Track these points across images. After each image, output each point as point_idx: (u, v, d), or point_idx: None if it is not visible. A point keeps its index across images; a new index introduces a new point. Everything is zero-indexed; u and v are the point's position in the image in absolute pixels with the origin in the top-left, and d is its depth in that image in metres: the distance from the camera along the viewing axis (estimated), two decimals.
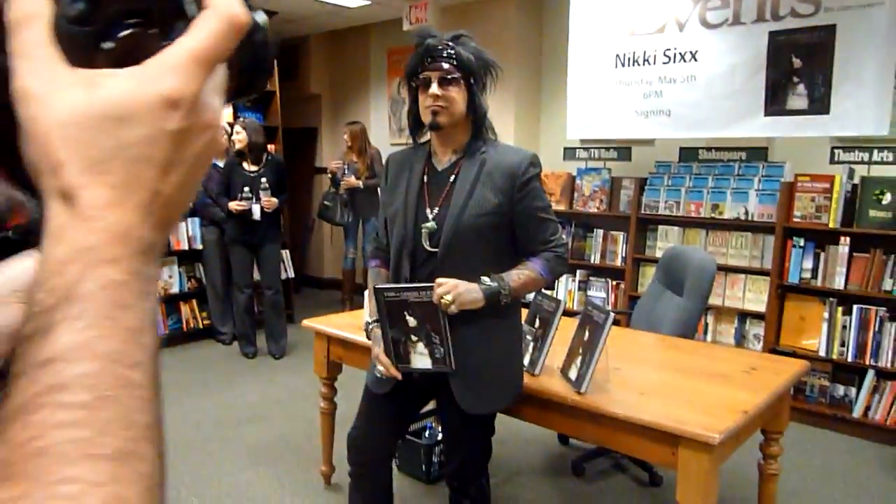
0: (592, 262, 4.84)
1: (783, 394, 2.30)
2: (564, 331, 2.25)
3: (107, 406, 0.29)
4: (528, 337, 2.36)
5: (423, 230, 1.82)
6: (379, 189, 2.06)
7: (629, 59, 4.25)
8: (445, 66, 1.77)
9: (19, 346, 0.30)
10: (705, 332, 4.30)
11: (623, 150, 4.85)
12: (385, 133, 6.61)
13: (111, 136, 0.32)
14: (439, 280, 1.75)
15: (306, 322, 2.91)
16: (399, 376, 1.86)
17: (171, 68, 0.33)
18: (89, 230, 0.31)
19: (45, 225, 0.31)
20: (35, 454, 0.27)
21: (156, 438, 0.31)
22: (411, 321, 1.80)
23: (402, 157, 1.98)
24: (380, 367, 1.88)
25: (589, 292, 4.90)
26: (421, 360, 1.84)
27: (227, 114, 5.63)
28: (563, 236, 2.00)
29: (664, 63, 4.09)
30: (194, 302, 5.43)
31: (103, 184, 0.32)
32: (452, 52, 1.78)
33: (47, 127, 0.31)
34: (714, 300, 4.24)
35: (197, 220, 5.32)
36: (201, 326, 5.43)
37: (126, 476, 0.29)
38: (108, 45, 0.33)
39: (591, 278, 4.91)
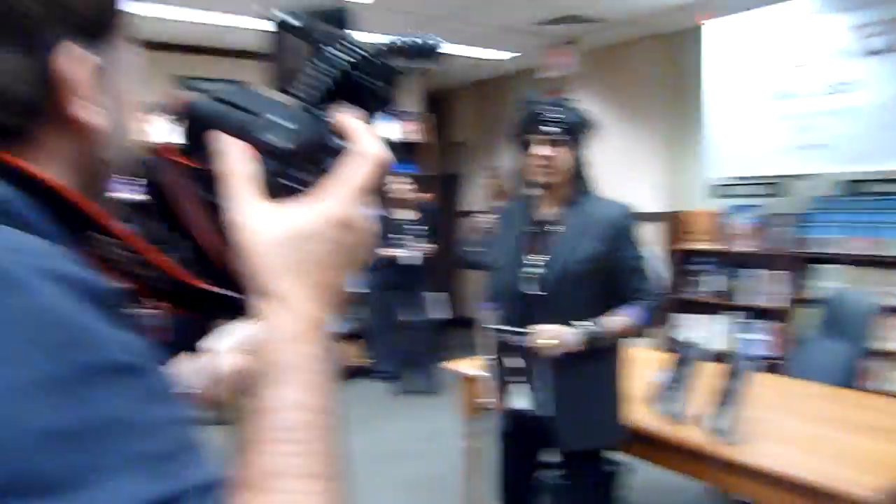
0: (749, 302, 4.63)
1: None
2: (710, 377, 2.24)
3: (317, 442, 0.46)
4: (671, 382, 2.36)
5: (529, 275, 1.94)
6: None
7: (780, 92, 4.10)
8: (554, 130, 1.93)
9: (254, 393, 0.47)
10: (881, 379, 3.96)
11: (777, 186, 4.63)
12: None
13: (305, 251, 0.49)
14: (542, 327, 1.87)
15: (448, 364, 3.08)
16: (503, 406, 2.01)
17: (342, 200, 0.50)
18: (296, 320, 0.48)
19: (263, 315, 0.48)
20: (271, 473, 0.44)
21: (343, 465, 0.48)
22: (514, 362, 1.92)
23: (507, 207, 2.18)
24: (485, 400, 2.08)
25: (747, 335, 4.67)
26: (521, 400, 1.96)
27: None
28: (658, 285, 2.11)
29: (823, 94, 3.90)
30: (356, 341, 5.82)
31: (303, 286, 0.49)
32: (557, 116, 1.94)
33: (258, 248, 0.48)
34: (888, 344, 3.90)
35: None
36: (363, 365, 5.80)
37: (331, 489, 0.46)
38: (293, 185, 0.50)
39: (748, 320, 4.69)
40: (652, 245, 4.60)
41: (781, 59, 4.08)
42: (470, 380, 2.95)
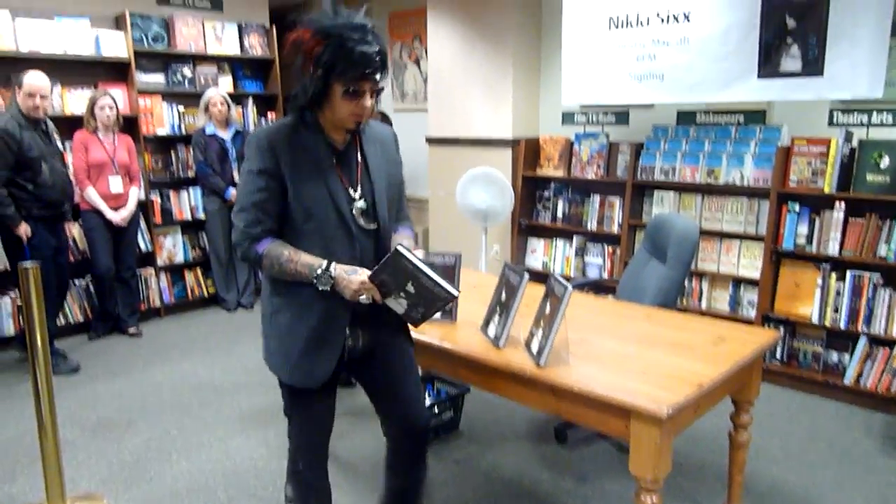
0: (589, 228, 4.81)
1: (751, 364, 2.29)
2: (534, 302, 2.27)
3: None
4: (496, 307, 2.38)
5: (354, 209, 1.82)
6: (248, 168, 1.84)
7: (622, 21, 4.15)
8: (380, 78, 1.71)
9: None
10: (700, 299, 4.28)
11: (621, 115, 4.78)
12: (388, 97, 6.57)
13: None
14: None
15: None
16: (380, 299, 1.77)
17: None
18: None
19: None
20: None
21: None
22: (410, 289, 1.74)
23: (287, 136, 1.76)
24: (363, 296, 1.76)
25: (586, 258, 4.88)
26: (395, 305, 1.80)
27: (227, 83, 5.65)
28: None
29: (657, 25, 3.98)
30: (198, 270, 5.53)
31: None
32: (380, 55, 1.67)
33: None
34: (709, 266, 4.21)
35: (199, 189, 5.38)
36: (206, 294, 5.54)
37: None
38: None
39: (588, 244, 4.89)
40: (501, 171, 4.63)
41: None
42: None
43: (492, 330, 2.34)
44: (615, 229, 4.67)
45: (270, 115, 5.98)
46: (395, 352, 2.04)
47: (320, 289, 1.74)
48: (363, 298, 1.78)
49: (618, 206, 4.65)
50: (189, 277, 5.48)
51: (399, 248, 1.69)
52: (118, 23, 5.03)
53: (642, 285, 3.23)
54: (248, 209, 1.75)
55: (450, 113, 5.47)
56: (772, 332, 2.48)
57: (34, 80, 3.87)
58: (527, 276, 2.26)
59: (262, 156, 1.73)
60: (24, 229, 3.91)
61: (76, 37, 4.76)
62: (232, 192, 5.15)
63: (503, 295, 2.37)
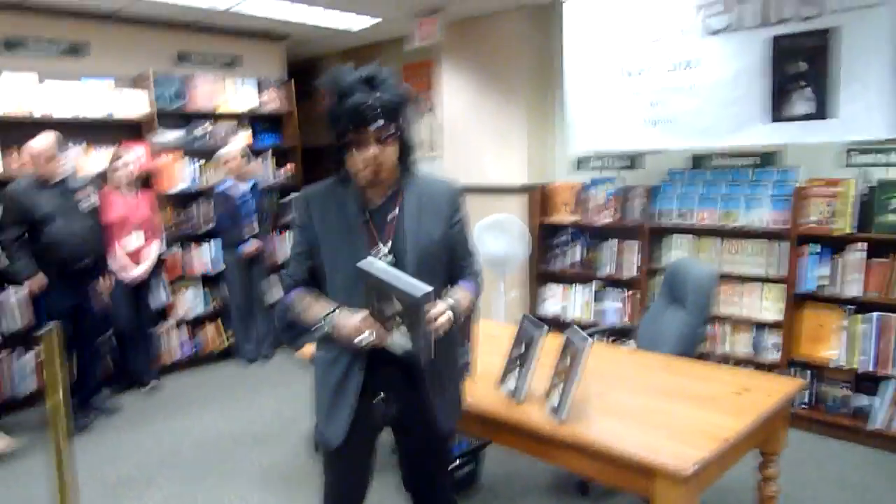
0: (606, 273, 4.79)
1: (777, 414, 2.25)
2: (552, 351, 2.25)
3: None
4: (514, 361, 2.36)
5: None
6: (293, 223, 1.95)
7: (633, 69, 4.20)
8: (380, 124, 1.69)
9: None
10: (723, 343, 4.21)
11: (634, 159, 4.80)
12: None
13: None
14: (440, 308, 1.69)
15: (302, 351, 2.96)
16: (385, 341, 1.73)
17: None
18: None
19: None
20: None
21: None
22: (397, 304, 1.69)
23: (323, 194, 1.87)
24: (363, 336, 1.72)
25: (603, 303, 4.85)
26: (402, 339, 1.72)
27: (245, 137, 5.76)
28: (477, 258, 2.06)
29: (668, 71, 4.03)
30: (217, 322, 5.56)
31: None
32: (380, 104, 1.68)
33: None
34: (730, 310, 4.15)
35: (218, 242, 5.44)
36: (225, 346, 5.56)
37: None
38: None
39: (604, 289, 4.86)
40: (517, 218, 4.65)
41: (632, 37, 4.17)
42: None
43: (510, 383, 2.33)
44: (632, 274, 4.64)
45: (288, 167, 6.08)
46: (427, 437, 1.95)
47: (318, 335, 1.82)
48: (363, 340, 1.72)
49: (634, 251, 4.63)
50: (207, 330, 5.51)
51: (361, 262, 1.69)
52: (139, 81, 5.18)
53: (662, 332, 3.19)
54: (291, 260, 1.95)
55: (465, 161, 5.52)
56: (797, 380, 2.44)
57: (36, 143, 3.97)
58: (546, 328, 2.25)
59: (300, 212, 1.89)
60: (34, 284, 3.96)
61: (99, 97, 4.90)
62: (248, 245, 5.21)
63: (522, 347, 2.36)
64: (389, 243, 1.82)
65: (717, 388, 2.33)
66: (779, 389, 2.30)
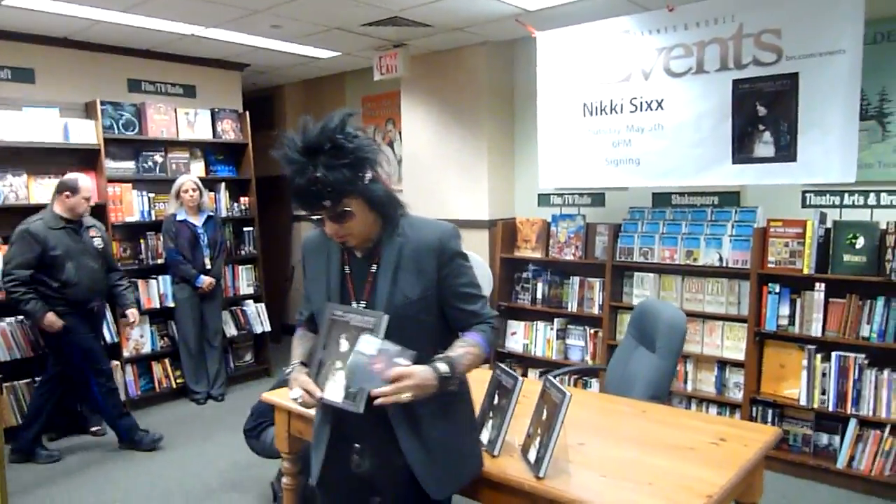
0: (570, 310, 4.77)
1: (755, 466, 2.21)
2: (528, 404, 2.17)
3: None
4: (488, 412, 2.28)
5: None
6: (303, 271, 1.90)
7: (597, 108, 4.23)
8: (328, 206, 1.61)
9: None
10: (685, 381, 4.21)
11: (597, 196, 4.82)
12: None
13: None
14: (398, 371, 1.59)
15: (265, 395, 2.82)
16: (318, 394, 1.68)
17: None
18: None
19: None
20: None
21: None
22: (343, 345, 1.67)
23: (317, 242, 1.88)
24: (296, 390, 1.70)
25: (567, 340, 4.81)
26: (334, 391, 1.67)
27: (199, 168, 5.59)
28: (490, 306, 1.93)
29: (631, 112, 4.06)
30: (167, 361, 5.31)
31: None
32: (325, 184, 1.56)
33: None
34: (693, 348, 4.16)
35: (168, 278, 5.22)
36: (174, 386, 5.30)
37: None
38: None
39: (569, 326, 4.83)
40: (479, 253, 4.59)
41: (597, 76, 4.20)
42: (284, 413, 2.70)
43: (485, 435, 2.23)
44: (596, 311, 4.63)
45: (243, 200, 5.91)
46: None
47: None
48: (296, 399, 1.71)
49: (598, 288, 4.63)
50: (157, 369, 5.25)
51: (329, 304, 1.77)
52: (88, 111, 4.98)
53: (631, 374, 3.15)
54: (303, 298, 1.99)
55: (426, 195, 5.46)
56: (773, 428, 2.42)
57: (88, 182, 4.10)
58: (521, 380, 2.17)
59: (302, 258, 1.96)
60: (49, 322, 3.92)
61: (44, 126, 4.68)
62: (203, 280, 5.01)
63: (496, 398, 2.27)
64: (363, 302, 1.75)
65: (694, 438, 2.28)
66: (756, 438, 2.26)
